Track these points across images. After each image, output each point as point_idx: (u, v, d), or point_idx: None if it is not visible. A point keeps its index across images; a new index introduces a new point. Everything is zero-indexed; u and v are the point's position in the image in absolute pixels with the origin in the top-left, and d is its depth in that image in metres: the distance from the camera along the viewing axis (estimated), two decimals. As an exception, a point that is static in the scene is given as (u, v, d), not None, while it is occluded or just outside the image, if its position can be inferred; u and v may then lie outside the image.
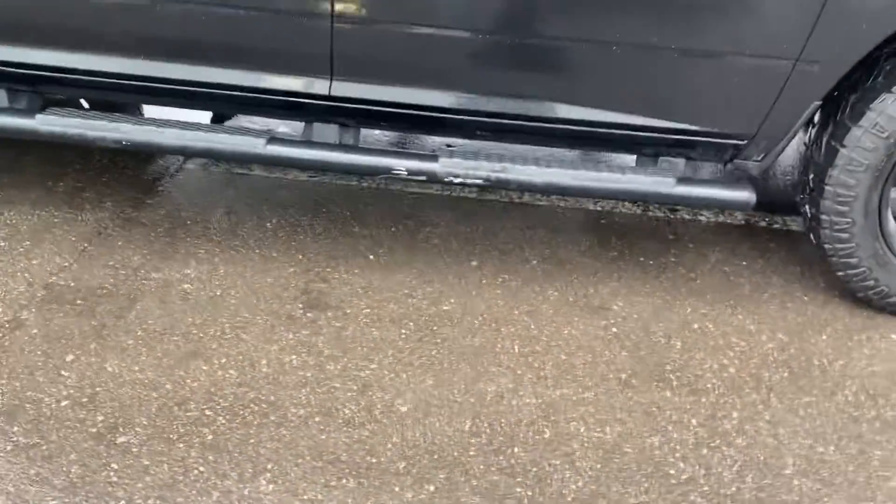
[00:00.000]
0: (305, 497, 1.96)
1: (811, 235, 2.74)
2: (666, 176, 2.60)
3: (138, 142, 2.66)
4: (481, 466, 2.07)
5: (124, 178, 3.29)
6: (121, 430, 2.10)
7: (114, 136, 2.66)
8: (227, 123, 3.53)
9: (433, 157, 2.62)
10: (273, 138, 2.65)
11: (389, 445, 2.11)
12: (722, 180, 2.68)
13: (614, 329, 2.61)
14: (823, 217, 2.61)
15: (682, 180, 2.61)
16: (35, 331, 2.42)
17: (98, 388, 2.22)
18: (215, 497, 1.94)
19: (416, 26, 2.48)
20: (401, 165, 2.61)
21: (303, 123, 2.73)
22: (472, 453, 2.11)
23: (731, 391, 2.38)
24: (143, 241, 2.87)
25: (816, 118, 2.69)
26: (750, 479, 2.09)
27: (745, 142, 2.57)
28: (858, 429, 2.28)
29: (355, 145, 2.71)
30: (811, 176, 2.65)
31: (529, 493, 2.01)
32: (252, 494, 1.95)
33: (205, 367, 2.32)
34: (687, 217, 3.32)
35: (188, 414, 2.16)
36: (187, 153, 3.07)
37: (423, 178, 2.63)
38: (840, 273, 2.71)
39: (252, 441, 2.09)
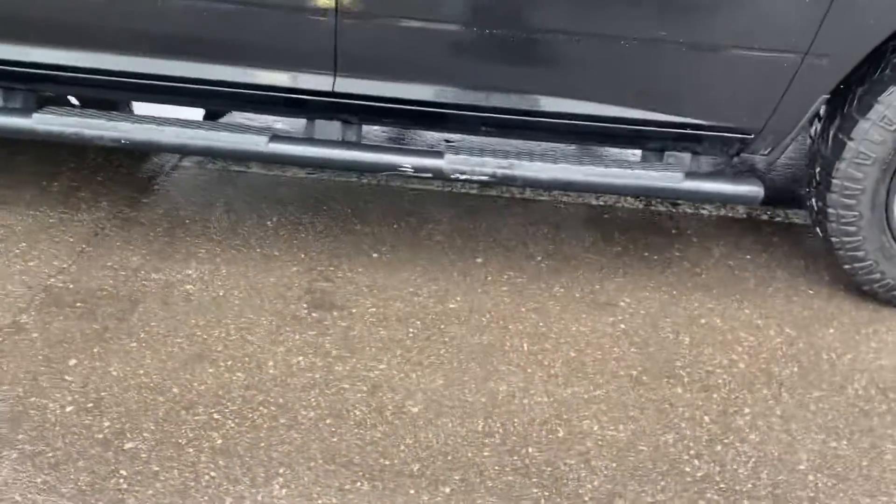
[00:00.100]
0: (320, 501, 1.92)
1: (817, 228, 2.74)
2: (674, 171, 2.59)
3: (138, 140, 2.62)
4: (496, 467, 2.05)
5: (119, 177, 3.24)
6: (128, 435, 2.06)
7: (112, 135, 2.61)
8: (222, 120, 3.48)
9: (439, 154, 2.60)
10: (275, 136, 2.61)
11: (402, 447, 2.09)
12: (729, 175, 2.67)
13: (622, 325, 2.59)
14: (830, 210, 2.61)
15: (690, 175, 2.60)
16: (35, 335, 2.37)
17: (103, 393, 2.18)
18: (228, 503, 1.90)
19: (420, 21, 2.45)
20: (406, 162, 2.58)
21: (304, 120, 2.69)
22: (486, 454, 2.09)
23: (742, 386, 2.37)
24: (141, 241, 2.82)
25: (822, 111, 2.68)
26: (765, 476, 2.08)
27: (753, 136, 2.56)
28: (870, 422, 2.28)
29: (358, 142, 2.68)
30: (818, 169, 2.64)
31: (546, 494, 1.99)
32: (265, 499, 1.92)
33: (211, 370, 2.28)
34: (689, 211, 3.30)
35: (196, 418, 2.13)
36: (187, 151, 3.02)
37: (429, 175, 2.60)
38: (846, 266, 2.71)
39: (263, 445, 2.06)
